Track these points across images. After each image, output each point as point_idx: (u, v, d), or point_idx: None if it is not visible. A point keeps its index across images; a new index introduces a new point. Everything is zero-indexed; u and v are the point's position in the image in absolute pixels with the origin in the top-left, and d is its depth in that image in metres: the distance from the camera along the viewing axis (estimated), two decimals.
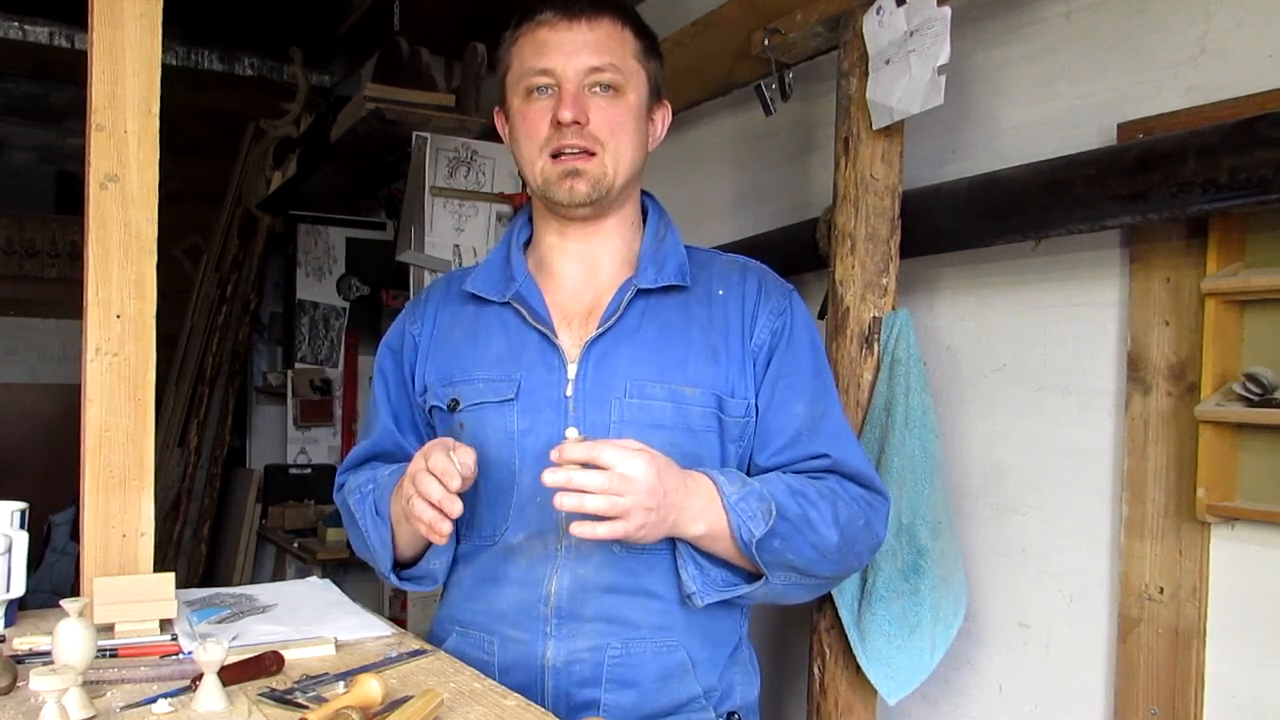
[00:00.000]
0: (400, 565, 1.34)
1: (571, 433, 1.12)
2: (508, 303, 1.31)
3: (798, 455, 1.27)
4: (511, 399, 1.26)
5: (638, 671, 1.23)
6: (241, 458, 4.69)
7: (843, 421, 1.32)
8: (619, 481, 1.07)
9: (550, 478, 1.08)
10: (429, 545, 1.30)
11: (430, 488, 1.13)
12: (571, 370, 1.26)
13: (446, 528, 1.13)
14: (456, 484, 1.13)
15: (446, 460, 1.13)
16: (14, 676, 1.09)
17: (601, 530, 1.09)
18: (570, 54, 1.24)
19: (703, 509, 1.16)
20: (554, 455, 1.09)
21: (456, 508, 1.13)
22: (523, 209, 1.42)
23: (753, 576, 1.22)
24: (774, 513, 1.16)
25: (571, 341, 1.28)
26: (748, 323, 1.29)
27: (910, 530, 1.62)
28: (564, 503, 1.08)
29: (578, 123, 1.23)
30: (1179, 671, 1.43)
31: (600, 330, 1.26)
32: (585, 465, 1.08)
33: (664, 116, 1.36)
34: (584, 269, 1.33)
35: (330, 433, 4.47)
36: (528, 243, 1.39)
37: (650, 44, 1.32)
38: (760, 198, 2.37)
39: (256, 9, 4.24)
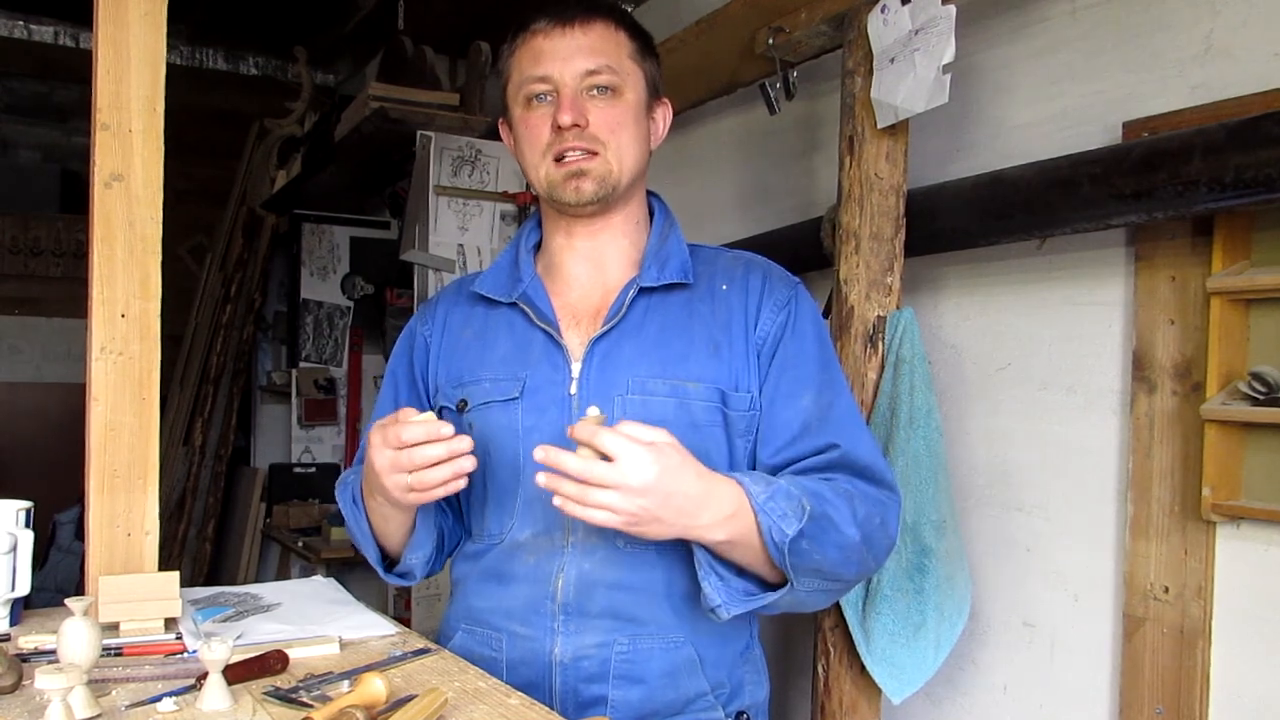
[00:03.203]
0: (392, 561, 1.35)
1: (593, 411, 1.08)
2: (514, 303, 1.32)
3: (806, 449, 1.25)
4: (516, 398, 1.27)
5: (644, 668, 1.23)
6: (246, 457, 4.70)
7: (853, 411, 1.29)
8: (606, 473, 1.03)
9: (539, 454, 1.05)
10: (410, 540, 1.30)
11: (428, 451, 1.10)
12: (576, 369, 1.26)
13: (469, 464, 1.11)
14: (449, 431, 1.11)
15: (416, 424, 1.11)
16: (19, 675, 1.09)
17: (577, 512, 1.05)
18: (566, 59, 1.25)
19: (728, 515, 1.12)
20: (570, 432, 1.06)
21: (465, 444, 1.11)
22: (533, 214, 1.43)
23: (772, 585, 1.19)
24: (806, 509, 1.12)
25: (578, 341, 1.28)
26: (751, 316, 1.29)
27: (915, 529, 1.62)
28: (538, 479, 1.05)
29: (577, 125, 1.24)
30: (1184, 671, 1.43)
31: (604, 329, 1.27)
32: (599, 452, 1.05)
33: (665, 115, 1.36)
34: (592, 269, 1.34)
35: (334, 432, 4.48)
36: (538, 246, 1.40)
37: (645, 44, 1.33)
38: (764, 197, 2.37)
39: (261, 8, 4.24)
